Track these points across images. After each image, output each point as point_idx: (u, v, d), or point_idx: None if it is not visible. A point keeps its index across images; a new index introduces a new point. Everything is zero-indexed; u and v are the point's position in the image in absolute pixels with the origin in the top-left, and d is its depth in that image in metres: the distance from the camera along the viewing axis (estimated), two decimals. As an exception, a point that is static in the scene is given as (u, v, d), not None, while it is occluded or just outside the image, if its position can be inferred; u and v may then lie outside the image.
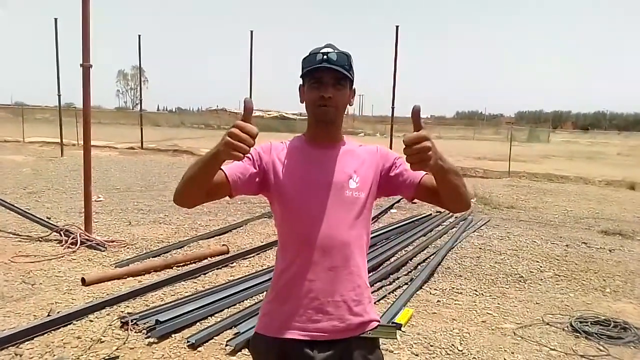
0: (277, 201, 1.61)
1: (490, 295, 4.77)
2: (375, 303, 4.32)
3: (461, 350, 3.59)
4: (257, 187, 1.60)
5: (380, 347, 1.67)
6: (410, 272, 5.31)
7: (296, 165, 1.60)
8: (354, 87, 1.62)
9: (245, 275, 4.89)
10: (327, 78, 1.53)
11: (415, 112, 1.29)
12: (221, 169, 1.49)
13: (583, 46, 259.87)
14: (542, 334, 3.93)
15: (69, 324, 3.72)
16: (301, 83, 1.62)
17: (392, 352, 3.50)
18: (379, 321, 1.65)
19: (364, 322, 1.60)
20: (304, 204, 1.56)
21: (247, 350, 3.39)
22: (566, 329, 4.02)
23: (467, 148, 27.09)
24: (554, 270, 5.64)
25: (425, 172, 1.55)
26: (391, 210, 8.80)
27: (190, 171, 1.43)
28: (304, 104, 1.61)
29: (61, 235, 5.97)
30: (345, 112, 1.67)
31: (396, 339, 3.58)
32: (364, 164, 1.62)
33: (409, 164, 1.28)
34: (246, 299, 4.34)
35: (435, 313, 4.27)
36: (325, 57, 1.52)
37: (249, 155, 1.59)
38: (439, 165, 1.33)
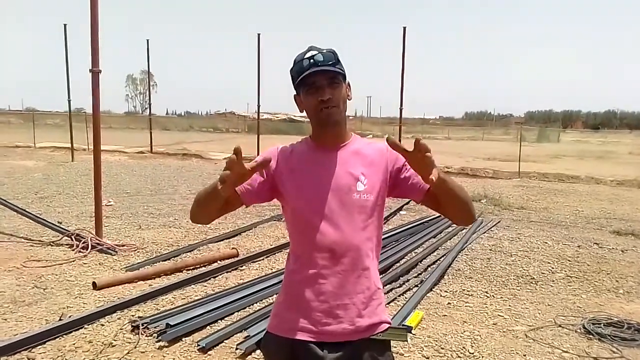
0: (287, 205, 1.63)
1: (501, 297, 4.73)
2: (385, 305, 4.32)
3: (472, 353, 3.56)
4: (269, 194, 1.62)
5: (391, 349, 1.67)
6: (420, 274, 5.28)
7: (303, 170, 1.60)
8: (347, 80, 1.60)
9: (255, 279, 4.90)
10: (320, 81, 1.52)
11: (392, 143, 1.38)
12: None
13: (593, 44, 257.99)
14: (555, 336, 3.89)
15: (81, 328, 3.74)
16: (295, 93, 1.62)
17: (402, 355, 3.49)
18: (389, 323, 1.64)
19: (374, 324, 1.59)
20: (312, 208, 1.56)
21: (257, 353, 3.40)
22: (579, 330, 3.98)
23: (476, 149, 26.97)
24: (565, 271, 5.59)
25: None
26: (400, 212, 8.77)
27: (199, 198, 1.54)
28: (304, 112, 1.61)
29: (72, 240, 6.01)
30: (352, 115, 1.66)
31: (407, 341, 3.56)
32: (372, 164, 1.60)
33: (419, 173, 1.37)
34: (256, 302, 4.35)
35: (445, 315, 4.24)
36: (312, 60, 1.51)
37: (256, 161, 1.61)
38: (441, 178, 1.40)
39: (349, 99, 1.61)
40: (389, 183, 1.61)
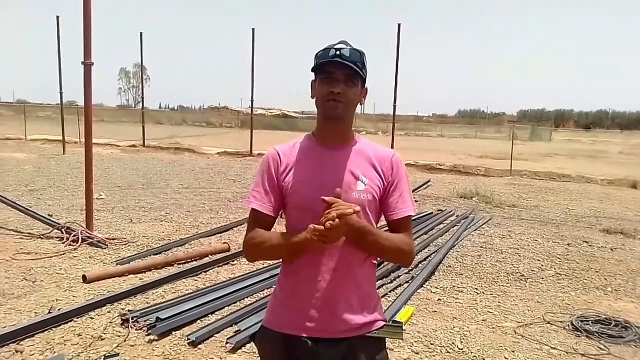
0: (287, 200, 1.61)
1: (491, 294, 4.76)
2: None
3: (461, 349, 3.59)
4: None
5: (386, 347, 1.67)
6: (411, 270, 5.30)
7: (305, 167, 1.59)
8: (366, 85, 1.60)
9: (246, 273, 4.89)
10: (338, 73, 1.51)
11: (337, 194, 1.45)
12: (258, 211, 1.60)
13: (585, 44, 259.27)
14: (543, 333, 3.92)
15: (70, 321, 3.72)
16: (313, 78, 1.60)
17: (392, 350, 3.50)
18: (385, 321, 1.65)
19: (369, 321, 1.60)
20: (310, 204, 1.52)
21: (247, 347, 3.40)
22: (567, 327, 4.02)
23: (469, 146, 27.08)
24: (555, 268, 5.64)
25: (407, 214, 1.60)
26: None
27: (275, 252, 1.61)
28: (314, 99, 1.59)
29: (62, 233, 5.98)
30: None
31: (402, 339, 3.56)
32: (374, 167, 1.60)
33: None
34: (247, 297, 4.35)
35: (435, 311, 4.27)
36: (337, 52, 1.50)
37: (268, 174, 1.63)
38: (356, 234, 1.48)
39: (360, 103, 1.63)
40: (383, 188, 1.61)
